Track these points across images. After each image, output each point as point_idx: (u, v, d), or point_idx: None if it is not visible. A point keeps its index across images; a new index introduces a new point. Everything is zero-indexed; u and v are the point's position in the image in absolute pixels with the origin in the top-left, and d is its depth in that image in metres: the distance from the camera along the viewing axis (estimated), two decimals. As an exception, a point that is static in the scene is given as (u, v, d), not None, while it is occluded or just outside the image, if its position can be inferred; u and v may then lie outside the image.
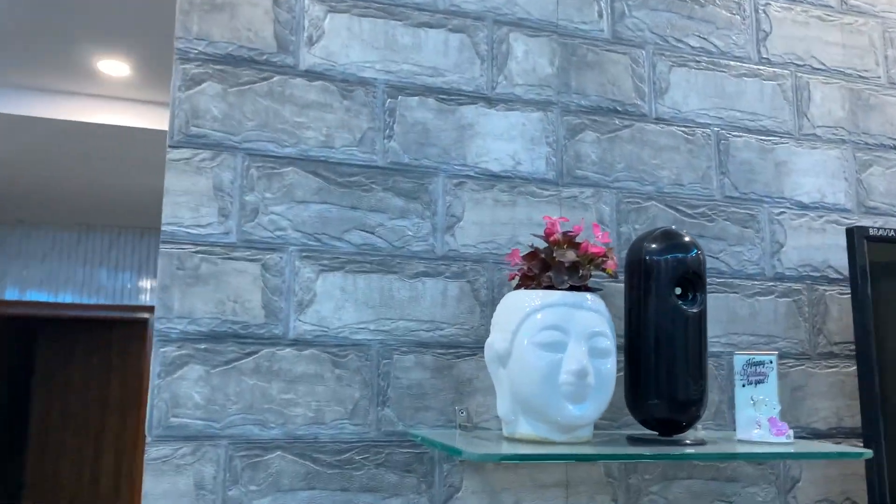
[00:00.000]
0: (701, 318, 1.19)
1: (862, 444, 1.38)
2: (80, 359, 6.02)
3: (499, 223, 1.39)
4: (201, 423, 1.19)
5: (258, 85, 1.30)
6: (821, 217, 1.61)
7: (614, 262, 1.16)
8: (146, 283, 6.03)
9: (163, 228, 1.22)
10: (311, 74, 1.33)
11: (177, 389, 1.19)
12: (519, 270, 1.23)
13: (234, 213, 1.26)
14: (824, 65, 1.67)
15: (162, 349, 1.19)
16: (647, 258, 1.21)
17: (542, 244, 1.22)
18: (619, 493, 1.37)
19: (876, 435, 1.35)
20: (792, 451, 1.16)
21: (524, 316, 1.12)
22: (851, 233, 1.43)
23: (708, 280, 1.48)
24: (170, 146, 1.25)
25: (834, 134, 1.65)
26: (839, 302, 1.58)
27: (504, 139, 1.42)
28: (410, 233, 1.34)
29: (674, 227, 1.30)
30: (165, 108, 3.95)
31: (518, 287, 1.21)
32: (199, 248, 1.23)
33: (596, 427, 1.26)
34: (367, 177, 1.33)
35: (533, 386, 1.09)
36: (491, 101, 1.42)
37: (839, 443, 1.51)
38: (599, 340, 1.11)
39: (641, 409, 1.20)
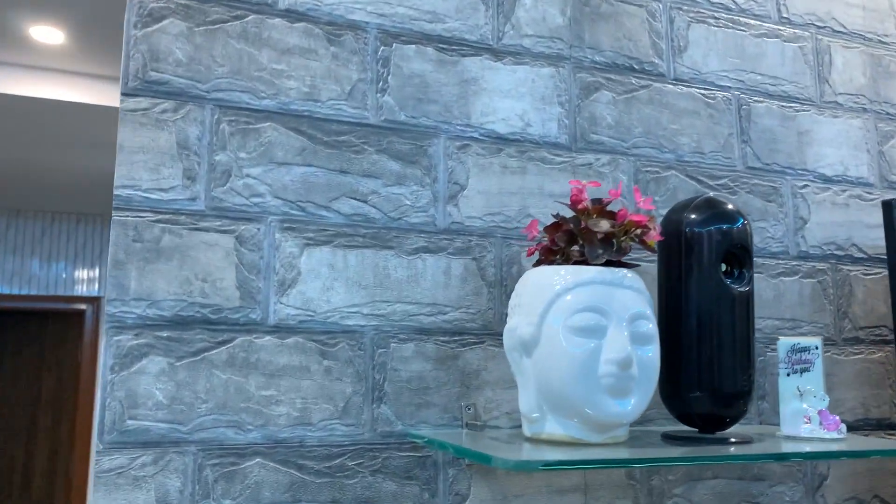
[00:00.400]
0: (749, 298, 1.04)
1: (902, 438, 1.26)
2: (9, 353, 5.62)
3: (507, 192, 1.22)
4: (165, 426, 0.98)
5: (230, 25, 1.10)
6: (844, 191, 1.48)
7: (658, 234, 1.00)
8: (83, 274, 5.66)
9: (115, 192, 1.01)
10: (293, 15, 1.13)
11: (134, 386, 0.98)
12: (538, 244, 1.06)
13: (203, 176, 1.05)
14: (845, 27, 1.55)
15: (115, 338, 0.98)
16: (688, 230, 1.05)
17: (566, 213, 1.05)
18: (641, 496, 1.22)
19: (919, 427, 1.23)
20: (849, 448, 1.02)
21: (554, 296, 0.95)
22: (889, 206, 1.31)
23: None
24: (124, 94, 1.04)
25: (856, 102, 1.53)
26: (864, 283, 1.46)
27: (512, 97, 1.24)
28: (408, 202, 1.15)
29: (712, 194, 1.15)
30: (105, 82, 3.65)
31: (539, 263, 1.04)
32: (160, 217, 1.02)
33: (626, 424, 1.10)
34: (359, 136, 1.14)
35: (566, 378, 0.92)
36: (497, 54, 1.25)
37: (867, 435, 1.40)
38: (642, 324, 0.95)
39: (680, 403, 1.05)
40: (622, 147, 1.31)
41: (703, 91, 1.39)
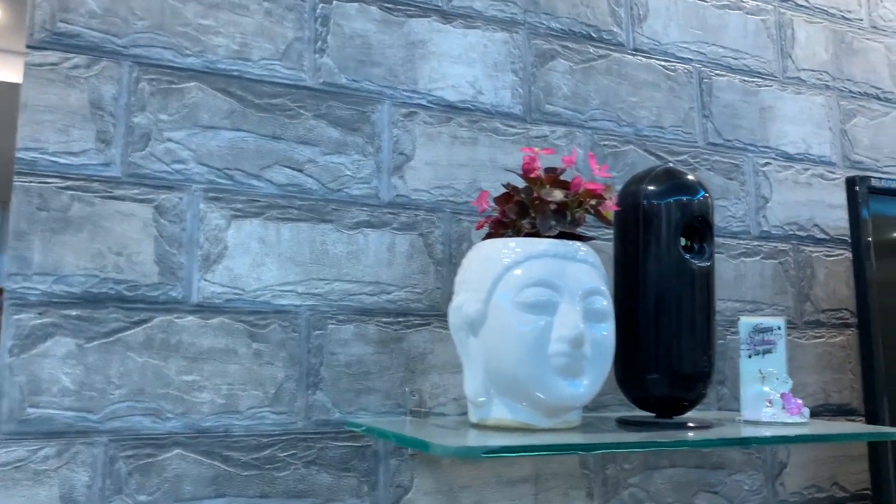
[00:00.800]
0: (710, 273, 0.98)
1: (864, 421, 1.22)
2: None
3: (457, 164, 1.14)
4: (72, 414, 0.89)
5: (150, -27, 1.00)
6: (806, 170, 1.43)
7: (614, 203, 0.93)
8: None
9: (18, 155, 0.91)
10: (222, -35, 1.03)
11: (37, 370, 0.88)
12: (488, 217, 0.98)
13: (119, 139, 0.95)
14: (808, 2, 1.50)
15: (16, 317, 0.88)
16: (646, 202, 0.98)
17: (518, 183, 0.98)
18: (595, 486, 1.16)
19: (879, 410, 1.18)
20: (812, 432, 0.96)
21: (502, 270, 0.88)
22: (853, 183, 1.26)
23: (691, 238, 1.28)
24: (29, 47, 0.93)
25: (818, 79, 1.48)
26: (826, 265, 1.42)
27: (463, 62, 1.17)
28: (349, 172, 1.07)
29: (672, 164, 1.09)
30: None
31: (489, 237, 0.96)
32: (69, 183, 0.92)
33: (579, 409, 1.04)
34: (294, 99, 1.05)
35: (515, 358, 0.85)
36: (446, 16, 1.17)
37: (829, 421, 1.35)
38: (596, 300, 0.88)
39: (636, 386, 0.98)
40: (579, 119, 1.24)
41: (663, 63, 1.33)
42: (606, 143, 1.26)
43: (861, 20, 1.56)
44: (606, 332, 0.89)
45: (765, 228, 1.37)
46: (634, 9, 1.32)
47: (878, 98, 1.54)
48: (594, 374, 0.87)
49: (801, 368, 1.35)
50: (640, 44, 1.31)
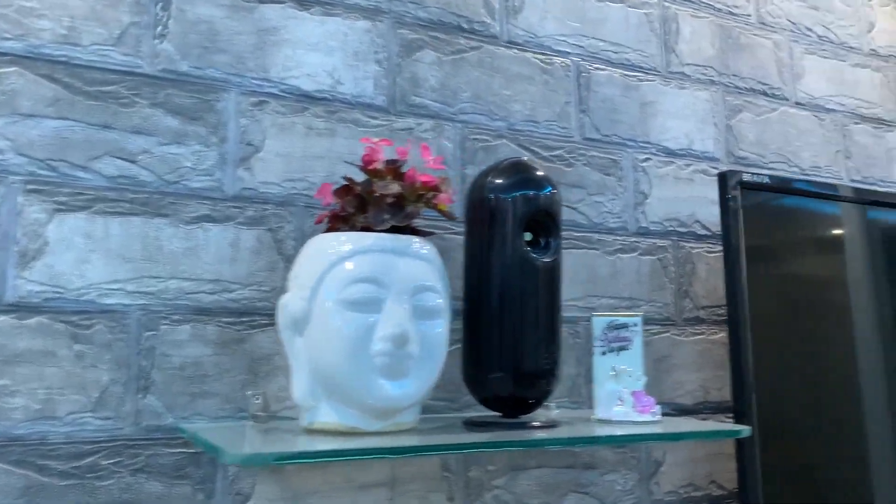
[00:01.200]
0: (554, 269, 0.96)
1: (732, 420, 1.21)
2: None
3: (312, 156, 1.09)
4: None
5: (-36, -50, 0.93)
6: (688, 166, 1.42)
7: (448, 196, 0.90)
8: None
9: None
10: (48, -57, 0.97)
11: None
12: (331, 211, 0.94)
13: (-76, 127, 0.89)
14: (693, -3, 1.49)
15: None
16: (491, 196, 0.95)
17: (360, 176, 0.94)
18: (457, 489, 1.12)
19: (747, 409, 1.17)
20: (659, 431, 0.95)
21: (328, 265, 0.84)
22: (724, 178, 1.25)
23: (564, 234, 1.26)
24: None
25: (703, 74, 1.47)
26: (707, 261, 1.41)
27: (320, 51, 1.12)
28: (189, 164, 1.01)
29: (526, 157, 1.06)
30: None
31: (329, 231, 0.92)
32: None
33: (428, 409, 1.00)
34: (129, 87, 0.99)
35: (338, 358, 0.81)
36: (303, 2, 1.12)
37: (706, 419, 1.34)
38: (427, 297, 0.85)
39: (481, 386, 0.95)
40: (447, 112, 1.20)
41: (538, 56, 1.30)
42: (477, 136, 1.22)
43: (749, 16, 1.55)
44: (440, 329, 0.85)
45: (643, 224, 1.35)
46: (509, 0, 1.29)
47: (766, 94, 1.54)
48: (422, 374, 0.83)
49: (681, 366, 1.34)
50: (514, 36, 1.28)
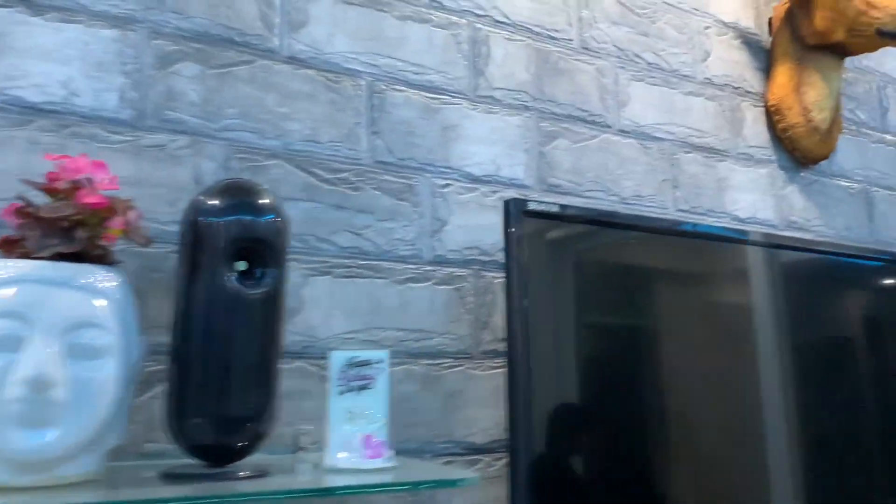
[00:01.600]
0: (269, 302, 0.87)
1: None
2: None
3: (37, 174, 0.99)
4: None
5: None
6: (494, 192, 1.37)
7: (123, 221, 0.81)
8: None
9: None
10: None
11: None
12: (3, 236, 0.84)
13: None
14: (509, 18, 1.45)
15: None
16: (201, 220, 0.87)
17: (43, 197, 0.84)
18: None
19: (519, 447, 1.11)
20: (379, 480, 0.86)
21: (-25, 298, 0.74)
22: (508, 206, 1.19)
23: (349, 263, 1.19)
24: None
25: (516, 99, 1.42)
26: (510, 292, 1.34)
27: (54, 60, 1.03)
28: None
29: (251, 179, 0.98)
30: None
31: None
32: None
33: (128, 456, 0.91)
34: None
35: (-28, 404, 0.71)
36: (35, 7, 1.03)
37: (499, 458, 1.27)
38: (88, 334, 0.76)
39: (184, 433, 0.86)
40: (209, 128, 1.12)
41: (324, 74, 1.23)
42: (245, 156, 1.14)
43: (570, 40, 1.52)
44: (102, 371, 0.76)
45: (439, 253, 1.29)
46: (291, 13, 1.22)
47: (585, 121, 1.50)
48: (73, 422, 0.74)
49: (474, 402, 1.27)
50: (296, 51, 1.21)
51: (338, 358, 0.95)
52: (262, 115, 1.17)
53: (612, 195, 1.50)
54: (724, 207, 1.65)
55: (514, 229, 1.17)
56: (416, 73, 1.32)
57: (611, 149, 1.52)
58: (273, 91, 1.18)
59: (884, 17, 1.62)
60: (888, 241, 1.92)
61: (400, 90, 1.30)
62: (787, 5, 1.78)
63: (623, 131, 1.54)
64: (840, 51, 1.74)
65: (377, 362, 0.96)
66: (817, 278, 1.55)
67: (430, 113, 1.32)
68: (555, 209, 1.22)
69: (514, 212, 1.18)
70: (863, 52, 1.75)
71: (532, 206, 1.20)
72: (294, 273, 1.14)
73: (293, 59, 1.21)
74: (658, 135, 1.59)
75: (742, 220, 1.67)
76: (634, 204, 1.52)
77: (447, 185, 1.32)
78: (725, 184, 1.66)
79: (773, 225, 1.71)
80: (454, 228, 1.31)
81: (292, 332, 1.12)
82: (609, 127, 1.53)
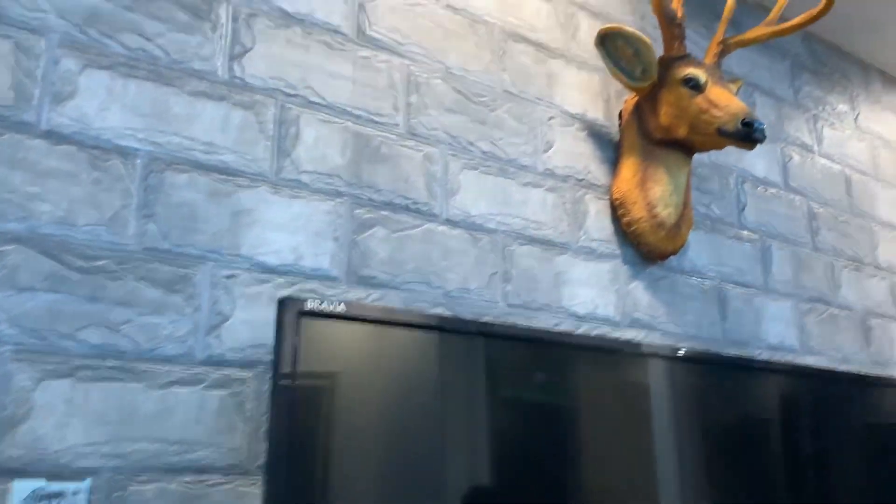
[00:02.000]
0: None
1: None
2: None
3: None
4: None
5: None
6: (293, 284, 1.25)
7: None
8: None
9: None
10: None
11: None
12: None
13: None
14: (324, 99, 1.36)
15: None
16: None
17: None
18: None
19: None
20: None
21: None
22: (283, 305, 1.07)
23: (97, 364, 1.05)
24: None
25: (327, 183, 1.33)
26: (300, 396, 1.22)
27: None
28: None
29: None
30: None
31: None
32: None
33: None
34: None
35: None
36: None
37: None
38: None
39: None
40: (-70, 208, 0.98)
41: (86, 152, 1.11)
42: (-25, 240, 1.00)
43: (397, 125, 1.44)
44: None
45: (218, 351, 1.16)
46: (57, 85, 1.10)
47: (409, 209, 1.41)
48: None
49: (247, 523, 1.13)
50: (56, 125, 1.09)
51: (20, 489, 0.80)
52: (4, 194, 1.03)
53: (435, 288, 1.41)
54: (560, 303, 1.57)
55: (286, 334, 1.05)
56: (206, 153, 1.21)
57: (436, 239, 1.43)
58: (19, 170, 1.05)
59: (724, 116, 1.61)
60: (741, 339, 1.88)
61: (183, 170, 1.19)
62: (636, 99, 1.75)
63: (451, 221, 1.46)
64: (686, 147, 1.72)
65: (73, 493, 0.82)
66: (676, 384, 1.47)
67: (219, 196, 1.21)
68: (340, 309, 1.11)
69: (289, 313, 1.06)
70: (708, 150, 1.73)
71: (311, 306, 1.08)
72: (21, 375, 0.99)
73: (51, 134, 1.09)
74: (490, 226, 1.51)
75: (580, 317, 1.59)
76: (459, 297, 1.43)
77: (232, 275, 1.19)
78: (563, 278, 1.59)
79: (613, 322, 1.64)
80: (237, 323, 1.18)
81: (10, 445, 0.96)
82: (435, 216, 1.44)
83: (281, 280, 1.24)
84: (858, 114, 2.50)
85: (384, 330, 1.16)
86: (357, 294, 1.31)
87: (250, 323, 1.19)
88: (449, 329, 1.23)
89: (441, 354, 1.21)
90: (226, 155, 1.23)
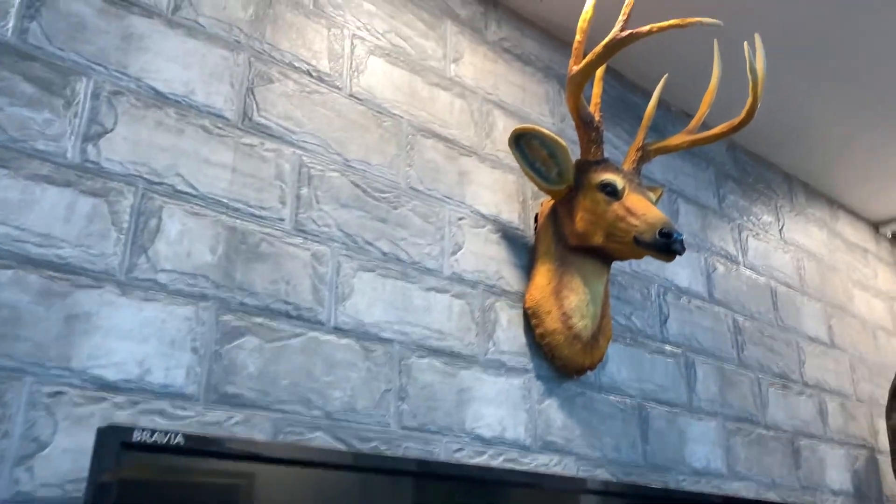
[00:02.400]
0: None
1: None
2: None
3: None
4: None
5: None
6: (135, 404, 1.05)
7: None
8: None
9: None
10: None
11: None
12: None
13: None
14: (196, 189, 1.21)
15: None
16: None
17: None
18: None
19: None
20: None
21: None
22: (102, 435, 0.88)
23: None
24: None
25: (189, 284, 1.15)
26: (130, 543, 1.00)
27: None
28: None
29: None
30: None
31: None
32: None
33: None
34: None
35: None
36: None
37: None
38: None
39: None
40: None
41: None
42: None
43: (282, 220, 1.29)
44: None
45: (24, 489, 0.94)
46: None
47: (288, 315, 1.24)
48: None
49: None
50: None
51: None
52: None
53: (315, 408, 1.22)
54: (463, 424, 1.40)
55: (102, 474, 0.85)
56: (40, 246, 1.03)
57: (319, 350, 1.26)
58: None
59: (641, 225, 1.51)
60: (663, 464, 1.73)
61: (7, 266, 1.00)
62: (553, 202, 1.65)
63: (339, 329, 1.29)
64: (604, 255, 1.61)
65: None
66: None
67: (53, 298, 1.02)
68: (178, 441, 0.92)
69: (108, 446, 0.87)
70: (626, 259, 1.62)
71: (138, 437, 0.89)
72: None
73: None
74: (386, 335, 1.35)
75: (485, 440, 1.42)
76: (342, 420, 1.24)
77: (57, 392, 0.99)
78: (468, 395, 1.43)
79: (523, 446, 1.47)
80: (57, 453, 0.97)
81: None
82: (321, 324, 1.28)
83: (120, 399, 1.04)
84: (783, 225, 2.47)
85: (239, 466, 0.97)
86: (216, 416, 1.11)
87: (73, 452, 0.99)
88: (320, 463, 1.04)
89: (309, 498, 1.01)
90: (65, 249, 1.05)
